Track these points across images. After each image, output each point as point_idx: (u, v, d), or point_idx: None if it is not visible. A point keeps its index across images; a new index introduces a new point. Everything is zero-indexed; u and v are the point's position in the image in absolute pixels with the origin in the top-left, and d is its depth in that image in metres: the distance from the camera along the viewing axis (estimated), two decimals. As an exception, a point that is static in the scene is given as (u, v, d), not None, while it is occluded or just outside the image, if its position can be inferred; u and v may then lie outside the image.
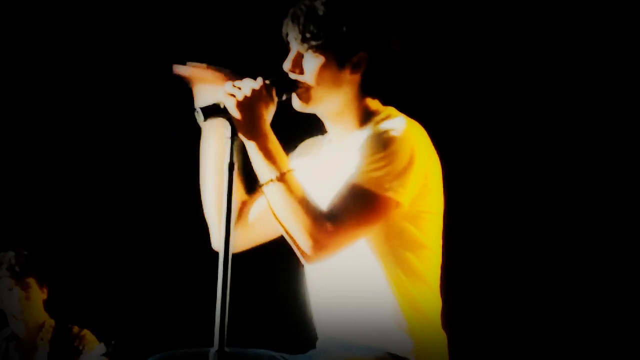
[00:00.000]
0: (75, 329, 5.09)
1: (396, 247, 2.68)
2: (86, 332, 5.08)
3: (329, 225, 2.56)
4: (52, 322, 5.10)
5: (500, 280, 5.28)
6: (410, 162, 2.61)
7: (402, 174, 2.60)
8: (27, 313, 5.02)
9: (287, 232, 2.60)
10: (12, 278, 4.98)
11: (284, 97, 2.71)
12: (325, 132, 2.87)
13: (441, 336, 2.76)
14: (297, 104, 2.75)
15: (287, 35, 2.75)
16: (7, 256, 5.02)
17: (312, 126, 2.91)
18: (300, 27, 2.70)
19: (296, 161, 2.87)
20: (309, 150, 2.92)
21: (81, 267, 5.84)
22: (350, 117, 2.77)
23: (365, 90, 2.76)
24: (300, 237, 2.57)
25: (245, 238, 2.90)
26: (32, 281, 5.01)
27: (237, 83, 2.63)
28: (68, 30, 5.71)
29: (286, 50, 2.76)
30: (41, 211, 5.92)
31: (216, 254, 2.54)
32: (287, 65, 2.73)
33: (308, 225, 2.56)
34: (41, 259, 5.08)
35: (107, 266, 5.90)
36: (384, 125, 2.66)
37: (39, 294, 5.05)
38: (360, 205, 2.59)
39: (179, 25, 5.66)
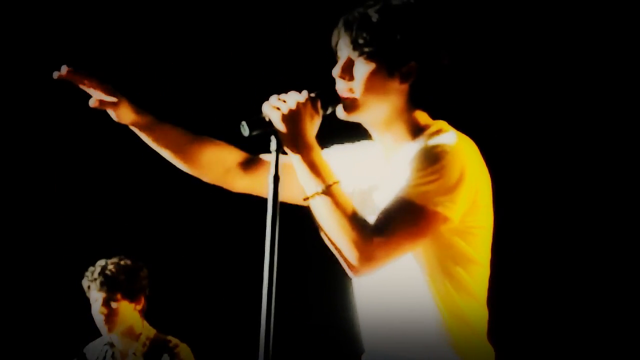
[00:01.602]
0: (172, 342, 4.94)
1: (446, 262, 2.65)
2: (182, 348, 4.92)
3: (375, 238, 2.54)
4: (152, 333, 4.96)
5: (548, 293, 5.25)
6: (460, 178, 2.58)
7: (452, 189, 2.57)
8: (117, 324, 4.87)
9: (333, 245, 2.59)
10: (99, 288, 4.87)
11: (329, 110, 2.70)
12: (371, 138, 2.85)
13: (489, 350, 2.73)
14: (341, 113, 2.72)
15: (337, 43, 2.74)
16: (98, 265, 4.92)
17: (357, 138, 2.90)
18: (353, 33, 2.68)
19: (343, 158, 2.87)
20: (359, 154, 2.90)
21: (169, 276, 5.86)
22: (400, 128, 2.74)
23: (413, 101, 2.73)
24: (347, 249, 2.56)
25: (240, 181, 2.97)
26: (120, 292, 4.88)
27: (283, 96, 2.63)
28: (72, 31, 5.75)
29: (331, 63, 2.75)
30: (138, 220, 5.96)
31: (261, 267, 2.53)
32: (336, 71, 2.72)
33: (355, 237, 2.54)
34: (133, 269, 4.95)
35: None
36: (435, 140, 2.64)
37: (128, 306, 4.90)
38: (409, 219, 2.57)
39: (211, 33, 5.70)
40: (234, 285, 5.60)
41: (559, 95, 5.24)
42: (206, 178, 3.00)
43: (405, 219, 2.56)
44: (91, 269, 4.93)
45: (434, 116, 2.77)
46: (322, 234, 2.62)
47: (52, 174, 5.99)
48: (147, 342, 4.94)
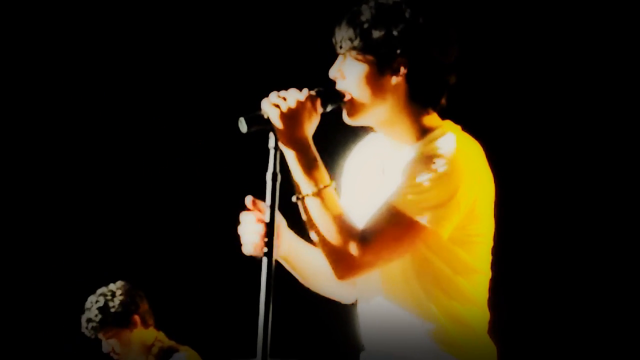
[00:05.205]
0: (181, 349, 5.02)
1: (447, 271, 2.63)
2: (190, 353, 5.02)
3: (360, 245, 2.54)
4: (161, 337, 5.05)
5: (550, 292, 5.25)
6: (455, 192, 2.55)
7: (444, 203, 2.55)
8: (125, 353, 5.00)
9: (321, 247, 2.59)
10: (94, 335, 4.99)
11: (328, 109, 2.66)
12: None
13: (490, 348, 2.71)
14: (347, 118, 2.69)
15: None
16: (82, 319, 5.00)
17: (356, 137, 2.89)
18: (342, 31, 2.66)
19: (356, 158, 2.83)
20: (369, 152, 2.83)
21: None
22: (404, 128, 2.68)
23: (413, 99, 2.67)
24: (331, 253, 2.57)
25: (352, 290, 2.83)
26: (111, 326, 4.97)
27: (282, 93, 2.59)
28: (83, 34, 5.76)
29: (332, 61, 2.73)
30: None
31: (259, 263, 2.53)
32: (332, 72, 2.69)
33: (340, 243, 2.55)
34: (106, 305, 4.97)
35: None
36: (435, 146, 2.60)
37: (125, 332, 4.98)
38: (396, 229, 2.56)
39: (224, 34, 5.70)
40: (233, 283, 5.61)
41: (571, 99, 5.21)
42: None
43: (392, 229, 2.56)
44: (82, 323, 5.01)
45: (443, 116, 2.71)
46: (310, 234, 2.62)
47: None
48: (159, 344, 5.02)
